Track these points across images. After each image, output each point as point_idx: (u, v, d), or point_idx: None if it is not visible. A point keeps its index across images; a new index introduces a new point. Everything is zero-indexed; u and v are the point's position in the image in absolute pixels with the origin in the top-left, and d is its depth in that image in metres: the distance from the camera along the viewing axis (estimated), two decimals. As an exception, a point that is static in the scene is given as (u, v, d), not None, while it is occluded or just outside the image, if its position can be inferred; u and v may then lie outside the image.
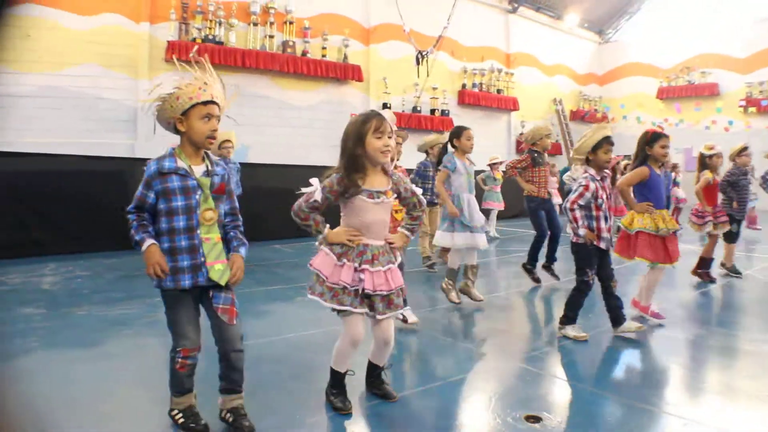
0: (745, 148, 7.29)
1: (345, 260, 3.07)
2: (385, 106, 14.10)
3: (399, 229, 3.38)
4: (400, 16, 12.27)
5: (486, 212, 11.74)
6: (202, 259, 2.80)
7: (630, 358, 4.33)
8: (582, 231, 4.51)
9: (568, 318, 4.68)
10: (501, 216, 12.47)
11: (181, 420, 2.93)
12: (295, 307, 5.00)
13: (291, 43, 12.52)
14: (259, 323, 5.25)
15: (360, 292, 3.05)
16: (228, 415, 2.97)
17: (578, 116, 20.35)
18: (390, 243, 3.23)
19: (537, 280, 6.89)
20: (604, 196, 4.59)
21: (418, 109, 14.73)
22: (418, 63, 12.48)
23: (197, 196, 2.79)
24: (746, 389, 3.63)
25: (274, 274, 7.56)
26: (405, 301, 3.47)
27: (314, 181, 3.07)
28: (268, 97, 12.30)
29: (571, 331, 4.61)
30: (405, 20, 12.49)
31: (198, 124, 2.78)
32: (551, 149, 12.57)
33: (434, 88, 15.15)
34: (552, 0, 19.37)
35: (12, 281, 6.78)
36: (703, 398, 3.54)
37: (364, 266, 3.07)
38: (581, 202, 4.55)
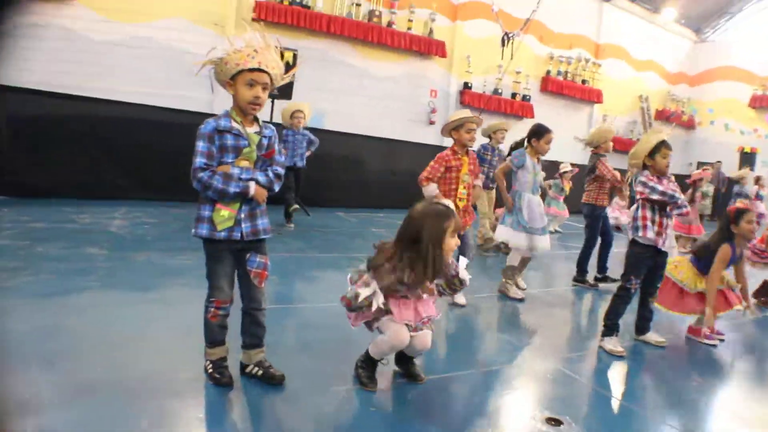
0: None
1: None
2: (466, 85, 13.89)
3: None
4: (491, -6, 12.02)
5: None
6: (241, 215, 2.96)
7: (668, 375, 4.19)
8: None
9: (608, 328, 4.54)
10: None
11: (210, 370, 3.06)
12: (345, 277, 5.08)
13: (377, 13, 12.39)
14: (307, 288, 5.30)
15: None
16: (255, 369, 3.15)
17: (663, 116, 19.57)
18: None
19: (593, 285, 6.68)
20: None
21: (499, 91, 14.40)
22: (503, 44, 12.21)
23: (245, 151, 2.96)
24: None
25: (332, 242, 7.58)
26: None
27: (373, 284, 3.10)
28: (350, 64, 12.22)
29: (608, 344, 4.46)
30: (494, -1, 12.23)
31: (243, 90, 2.89)
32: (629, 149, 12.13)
33: (518, 72, 14.79)
34: (650, -9, 18.63)
35: (83, 221, 6.97)
36: (733, 426, 3.42)
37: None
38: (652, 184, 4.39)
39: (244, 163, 2.93)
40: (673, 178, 4.64)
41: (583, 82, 16.69)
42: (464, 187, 5.09)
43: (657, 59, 19.92)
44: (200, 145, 2.87)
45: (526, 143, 5.86)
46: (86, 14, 9.28)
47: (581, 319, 5.69)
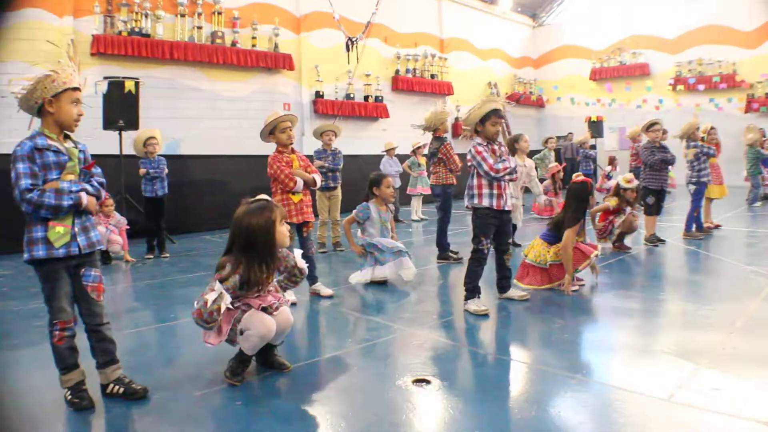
0: (654, 123, 7.86)
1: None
2: (318, 94, 14.23)
3: (276, 283, 3.62)
4: (330, 3, 12.37)
5: (410, 198, 12.07)
6: (76, 229, 3.01)
7: (533, 323, 4.65)
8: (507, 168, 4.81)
9: (469, 291, 4.90)
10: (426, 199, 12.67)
11: (69, 397, 3.05)
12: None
13: (220, 34, 12.49)
14: (171, 307, 5.42)
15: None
16: (115, 387, 3.14)
17: (513, 99, 20.70)
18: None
19: (459, 260, 7.13)
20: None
21: (352, 96, 14.85)
22: (348, 50, 12.60)
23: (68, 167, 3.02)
24: (637, 344, 4.03)
25: (199, 263, 7.67)
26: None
27: (218, 287, 3.19)
28: (198, 89, 12.25)
29: (471, 305, 4.82)
30: (335, 7, 12.60)
31: (68, 107, 3.00)
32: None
33: (367, 75, 15.28)
34: (484, -15, 19.65)
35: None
36: (593, 356, 3.86)
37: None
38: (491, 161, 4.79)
39: (70, 177, 2.99)
40: (503, 142, 5.13)
41: (432, 76, 17.44)
42: None
43: (500, 47, 21.09)
44: (21, 166, 2.86)
45: (368, 194, 6.20)
46: None
47: (447, 291, 6.06)
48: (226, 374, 3.36)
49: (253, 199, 3.44)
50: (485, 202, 4.83)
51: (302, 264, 3.61)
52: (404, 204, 12.84)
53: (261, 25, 13.26)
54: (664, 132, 8.11)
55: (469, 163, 4.94)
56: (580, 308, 5.04)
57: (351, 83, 14.56)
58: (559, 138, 16.07)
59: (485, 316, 4.72)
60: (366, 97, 15.28)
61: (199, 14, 12.25)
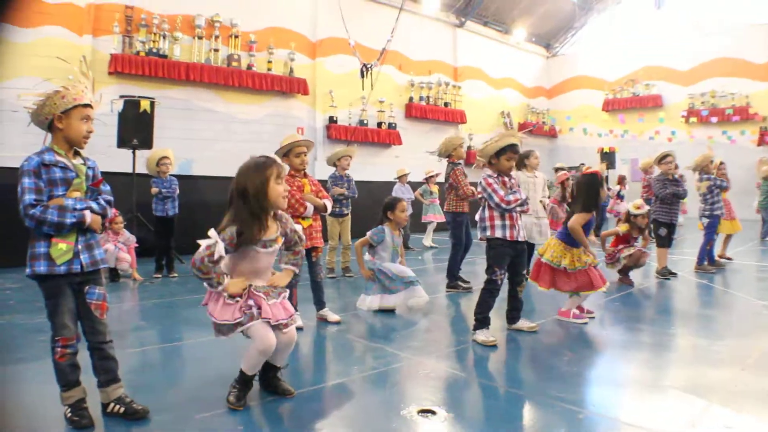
0: (666, 155, 7.77)
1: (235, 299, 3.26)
2: (331, 119, 14.32)
3: (283, 266, 3.56)
4: (346, 29, 12.50)
5: (424, 225, 12.02)
6: (79, 247, 2.98)
7: (542, 355, 4.53)
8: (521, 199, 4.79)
9: (478, 321, 4.81)
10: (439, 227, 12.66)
11: (69, 414, 3.00)
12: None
13: (236, 57, 12.65)
14: (176, 327, 5.39)
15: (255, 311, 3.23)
16: (116, 406, 3.09)
17: (526, 128, 20.76)
18: (272, 284, 3.40)
19: (468, 289, 7.04)
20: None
21: (365, 122, 14.95)
22: (362, 76, 12.70)
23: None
24: (647, 379, 3.94)
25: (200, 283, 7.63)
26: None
27: (213, 233, 3.15)
28: (213, 110, 12.38)
29: (480, 336, 4.74)
30: (351, 34, 12.72)
31: (77, 123, 2.96)
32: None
33: (381, 102, 15.39)
34: (500, 15, 19.80)
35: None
36: (602, 390, 3.79)
37: (256, 296, 3.26)
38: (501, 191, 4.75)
39: (76, 194, 2.97)
40: (514, 175, 5.08)
41: (446, 104, 17.55)
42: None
43: (514, 76, 21.21)
44: (26, 181, 2.83)
45: (382, 218, 6.13)
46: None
47: (456, 321, 5.95)
48: (229, 399, 3.31)
49: (262, 156, 3.41)
50: (498, 233, 4.78)
51: (298, 228, 3.55)
52: (415, 231, 12.80)
53: (277, 50, 13.43)
54: (676, 166, 8.06)
55: (479, 195, 4.93)
56: (589, 341, 4.97)
57: (365, 109, 14.65)
58: (570, 168, 16.03)
59: (494, 347, 4.65)
60: (379, 124, 15.36)
61: (216, 37, 12.42)
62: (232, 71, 12.43)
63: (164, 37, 11.69)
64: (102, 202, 3.10)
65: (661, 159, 7.77)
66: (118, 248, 7.58)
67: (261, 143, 12.61)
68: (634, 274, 7.56)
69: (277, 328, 3.29)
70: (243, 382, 3.35)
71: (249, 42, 12.93)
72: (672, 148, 10.18)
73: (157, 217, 8.12)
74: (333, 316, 5.44)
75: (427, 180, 11.81)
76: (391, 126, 15.59)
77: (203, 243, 3.13)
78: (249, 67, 12.80)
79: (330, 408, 3.38)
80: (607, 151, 17.58)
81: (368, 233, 6.12)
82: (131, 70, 11.04)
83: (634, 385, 3.88)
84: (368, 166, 14.24)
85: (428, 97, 17.13)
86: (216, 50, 12.41)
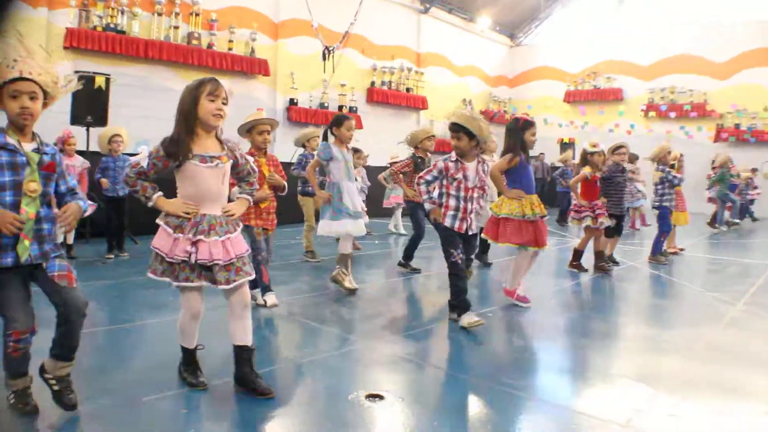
0: (620, 146, 7.80)
1: (180, 233, 3.10)
2: (292, 101, 14.22)
3: (238, 195, 3.46)
4: (309, 11, 12.40)
5: (386, 210, 12.04)
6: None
7: (490, 341, 4.59)
8: (427, 205, 4.84)
9: (458, 307, 4.81)
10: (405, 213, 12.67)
11: (12, 400, 2.93)
12: (166, 294, 5.24)
13: (197, 35, 12.43)
14: (126, 309, 5.33)
15: (195, 263, 3.09)
16: (54, 382, 2.95)
17: (487, 117, 20.85)
18: (227, 212, 3.27)
19: (415, 269, 7.28)
20: (462, 179, 4.81)
21: (326, 105, 14.86)
22: (324, 58, 12.64)
23: (25, 172, 2.75)
24: (596, 367, 4.06)
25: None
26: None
27: (142, 148, 3.14)
28: (172, 89, 12.06)
29: (465, 319, 4.71)
30: (314, 15, 12.64)
31: (8, 102, 2.72)
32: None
33: (342, 85, 15.29)
34: (465, 2, 19.81)
35: None
36: (552, 378, 3.86)
37: (198, 237, 3.09)
38: (428, 177, 4.86)
39: (33, 185, 2.75)
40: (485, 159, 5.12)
41: (408, 90, 17.54)
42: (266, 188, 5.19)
43: (477, 64, 21.29)
44: None
45: (328, 134, 5.97)
46: None
47: (408, 306, 6.01)
48: (184, 376, 3.31)
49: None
50: (447, 222, 4.84)
51: (251, 159, 3.49)
52: (379, 216, 12.72)
53: (239, 29, 13.23)
54: (632, 158, 8.18)
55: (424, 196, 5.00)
56: (539, 329, 5.05)
57: (326, 92, 14.56)
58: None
59: (469, 330, 4.67)
60: (340, 107, 15.27)
61: (177, 14, 12.19)
62: (192, 49, 12.20)
63: (123, 13, 11.38)
64: (78, 201, 2.94)
65: (615, 149, 7.85)
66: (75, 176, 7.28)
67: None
68: (587, 261, 7.68)
69: (214, 277, 3.14)
70: (186, 357, 3.32)
71: (210, 20, 12.71)
72: (631, 141, 10.36)
73: (107, 197, 7.94)
74: (265, 299, 5.35)
75: (391, 165, 11.76)
76: (352, 110, 15.49)
77: (132, 159, 3.15)
78: (209, 46, 12.59)
79: (277, 392, 3.33)
80: (567, 141, 17.84)
81: (316, 153, 6.05)
82: (88, 45, 10.74)
83: (583, 373, 4.00)
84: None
85: (390, 82, 17.08)
86: (176, 27, 12.16)
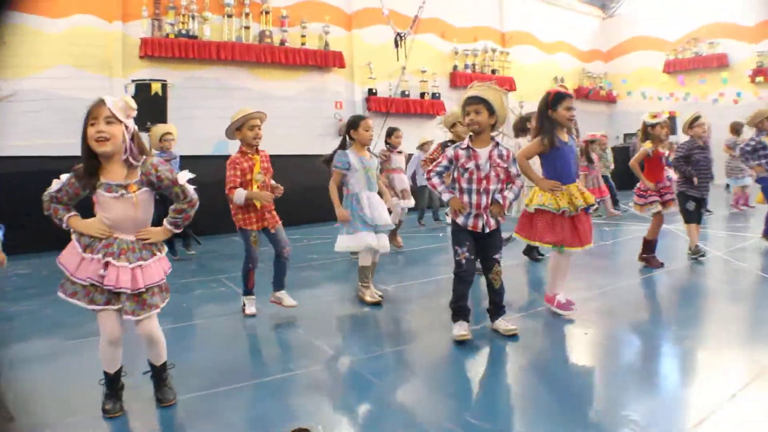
0: (697, 118, 6.72)
1: (89, 253, 2.88)
2: (371, 92, 13.95)
3: (165, 221, 3.13)
4: (380, -2, 12.11)
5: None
6: None
7: (511, 369, 3.75)
8: (446, 196, 4.22)
9: (453, 313, 4.24)
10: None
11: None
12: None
13: (268, 33, 12.38)
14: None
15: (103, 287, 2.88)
16: None
17: (582, 94, 19.83)
18: (142, 237, 3.01)
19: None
20: (474, 169, 4.16)
21: (407, 93, 14.49)
22: (396, 45, 12.28)
23: None
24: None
25: (203, 267, 7.43)
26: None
27: (63, 176, 2.95)
28: (247, 89, 12.15)
29: (453, 330, 4.17)
30: (385, 2, 12.31)
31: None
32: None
33: (423, 71, 14.89)
34: (548, -24, 18.95)
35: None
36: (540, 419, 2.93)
37: (107, 259, 2.87)
38: (438, 169, 4.26)
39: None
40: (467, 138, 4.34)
41: (493, 72, 16.85)
42: (258, 187, 4.86)
43: (567, 39, 20.24)
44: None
45: (347, 140, 5.43)
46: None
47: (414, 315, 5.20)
48: (104, 407, 3.02)
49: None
50: (459, 220, 4.23)
51: (181, 178, 3.07)
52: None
53: (310, 24, 13.09)
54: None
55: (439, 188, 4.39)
56: (575, 351, 4.07)
57: (405, 80, 14.19)
58: (627, 136, 15.20)
59: (462, 343, 4.05)
60: (422, 94, 14.87)
61: (247, 14, 12.18)
62: (264, 48, 12.16)
63: (193, 18, 11.50)
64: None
65: (691, 123, 6.76)
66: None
67: (297, 119, 12.40)
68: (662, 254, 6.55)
69: (123, 310, 2.93)
70: (107, 382, 3.06)
71: (281, 17, 12.63)
72: (738, 110, 9.17)
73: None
74: (289, 301, 5.00)
75: (420, 148, 11.18)
76: (435, 96, 15.05)
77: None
78: (282, 42, 12.50)
79: (206, 420, 2.98)
80: (668, 115, 16.53)
81: (333, 165, 5.36)
82: (162, 52, 10.91)
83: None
84: (413, 138, 13.80)
85: (474, 64, 16.48)
86: (247, 28, 12.15)
